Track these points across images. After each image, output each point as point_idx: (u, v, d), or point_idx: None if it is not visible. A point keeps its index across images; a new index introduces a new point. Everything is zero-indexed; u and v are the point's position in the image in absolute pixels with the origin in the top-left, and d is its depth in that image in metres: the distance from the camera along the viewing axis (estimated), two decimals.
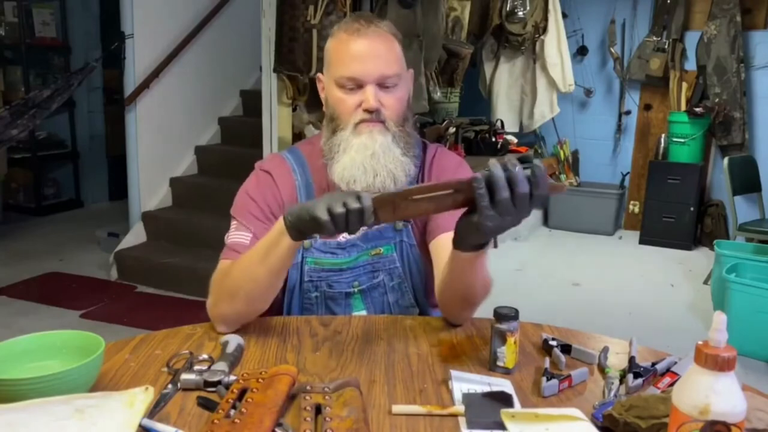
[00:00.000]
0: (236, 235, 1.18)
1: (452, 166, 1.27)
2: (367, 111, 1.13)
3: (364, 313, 1.24)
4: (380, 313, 1.25)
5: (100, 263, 3.91)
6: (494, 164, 0.86)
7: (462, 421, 0.84)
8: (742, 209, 3.95)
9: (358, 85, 1.14)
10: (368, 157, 1.13)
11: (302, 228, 0.95)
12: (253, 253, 1.06)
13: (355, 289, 1.23)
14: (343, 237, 1.21)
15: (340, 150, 1.15)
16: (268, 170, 1.24)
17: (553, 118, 4.71)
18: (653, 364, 0.99)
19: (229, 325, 1.10)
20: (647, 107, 4.94)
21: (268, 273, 1.04)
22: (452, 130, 3.60)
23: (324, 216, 0.89)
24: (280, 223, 0.99)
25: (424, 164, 1.26)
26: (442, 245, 1.14)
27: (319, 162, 1.21)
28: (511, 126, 4.59)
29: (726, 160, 3.74)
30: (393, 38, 1.17)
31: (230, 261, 1.13)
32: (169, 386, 0.91)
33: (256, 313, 1.12)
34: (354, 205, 0.88)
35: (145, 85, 3.83)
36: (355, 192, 0.91)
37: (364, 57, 1.13)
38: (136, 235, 3.94)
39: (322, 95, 1.23)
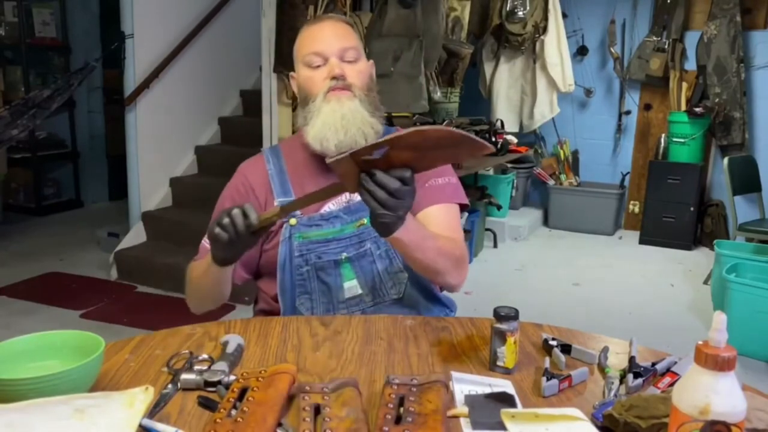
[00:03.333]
0: (205, 239, 1.28)
1: None
2: (334, 78, 1.23)
3: (354, 281, 1.27)
4: (370, 281, 1.27)
5: (100, 263, 3.91)
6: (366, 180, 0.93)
7: (464, 422, 0.84)
8: (742, 209, 3.95)
9: (323, 60, 1.25)
10: (338, 119, 1.22)
11: (218, 258, 1.12)
12: (199, 267, 1.23)
13: (343, 257, 1.27)
14: (325, 209, 1.29)
15: (313, 116, 1.24)
16: (243, 168, 1.38)
17: (553, 118, 4.71)
18: (653, 364, 0.99)
19: (197, 310, 1.30)
20: (647, 107, 4.94)
21: (211, 284, 1.22)
22: None
23: (215, 229, 1.07)
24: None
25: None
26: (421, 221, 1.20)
27: (294, 152, 1.33)
28: (511, 126, 4.59)
29: (726, 160, 3.74)
30: (349, 25, 1.31)
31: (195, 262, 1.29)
32: (169, 386, 0.91)
33: (219, 302, 1.29)
34: (235, 211, 1.06)
35: (145, 85, 3.83)
36: (242, 206, 1.07)
37: (324, 35, 1.26)
38: (136, 235, 3.94)
39: (296, 91, 1.34)
